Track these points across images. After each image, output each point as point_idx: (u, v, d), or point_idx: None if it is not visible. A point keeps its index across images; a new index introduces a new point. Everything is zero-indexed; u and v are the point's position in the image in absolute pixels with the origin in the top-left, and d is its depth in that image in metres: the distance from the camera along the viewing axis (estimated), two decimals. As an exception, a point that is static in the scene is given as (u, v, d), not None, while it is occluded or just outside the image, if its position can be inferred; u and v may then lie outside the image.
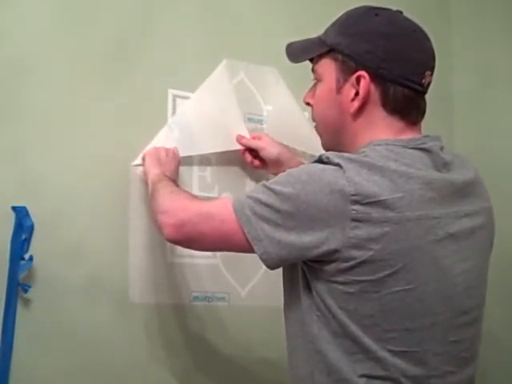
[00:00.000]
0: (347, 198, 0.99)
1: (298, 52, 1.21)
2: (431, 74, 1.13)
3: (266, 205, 1.03)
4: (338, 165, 1.01)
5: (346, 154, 1.04)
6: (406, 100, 1.10)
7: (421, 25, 1.96)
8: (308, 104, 1.22)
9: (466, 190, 1.10)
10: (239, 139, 1.49)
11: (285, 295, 1.14)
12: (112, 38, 1.42)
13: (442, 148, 1.11)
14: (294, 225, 1.01)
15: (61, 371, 1.31)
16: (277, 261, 1.04)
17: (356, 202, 0.99)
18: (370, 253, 0.99)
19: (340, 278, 1.01)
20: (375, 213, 0.99)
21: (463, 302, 1.08)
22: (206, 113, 1.48)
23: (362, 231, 0.99)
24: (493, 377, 1.69)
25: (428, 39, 1.14)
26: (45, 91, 1.34)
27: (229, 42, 1.57)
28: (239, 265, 1.50)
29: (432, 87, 1.84)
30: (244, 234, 1.04)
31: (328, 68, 1.14)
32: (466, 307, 1.08)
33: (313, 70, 1.19)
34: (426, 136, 1.12)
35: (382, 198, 0.99)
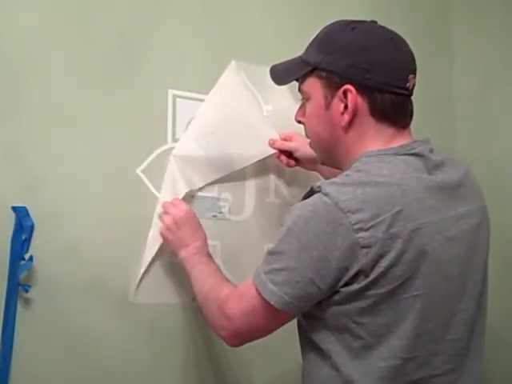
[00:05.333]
0: (350, 228, 1.00)
1: (282, 74, 1.24)
2: (414, 77, 1.14)
3: (282, 269, 1.04)
4: (328, 195, 1.02)
5: (338, 180, 1.06)
6: (394, 106, 1.12)
7: (421, 25, 1.97)
8: (300, 122, 1.24)
9: (460, 191, 1.12)
10: (272, 143, 1.50)
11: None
12: (112, 38, 1.42)
13: (431, 150, 1.13)
14: (312, 275, 1.03)
15: (61, 371, 1.31)
16: (307, 308, 1.09)
17: (360, 230, 1.00)
18: (381, 269, 1.01)
19: (353, 297, 1.03)
20: (380, 233, 1.00)
21: (459, 301, 1.09)
22: (234, 123, 1.49)
23: (373, 254, 1.01)
24: (496, 376, 1.69)
25: (406, 44, 1.16)
26: (45, 91, 1.34)
27: (229, 42, 1.56)
28: (239, 265, 1.50)
29: (432, 87, 1.86)
30: (284, 311, 1.06)
31: (314, 86, 1.16)
32: (462, 306, 1.10)
33: (299, 90, 1.22)
34: (415, 141, 1.14)
35: (382, 217, 1.01)
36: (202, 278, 1.27)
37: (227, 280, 1.25)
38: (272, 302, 1.05)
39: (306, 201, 1.06)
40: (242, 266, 1.50)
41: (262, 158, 1.51)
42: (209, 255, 1.35)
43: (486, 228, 1.17)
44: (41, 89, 1.34)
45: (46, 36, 1.35)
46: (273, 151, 1.50)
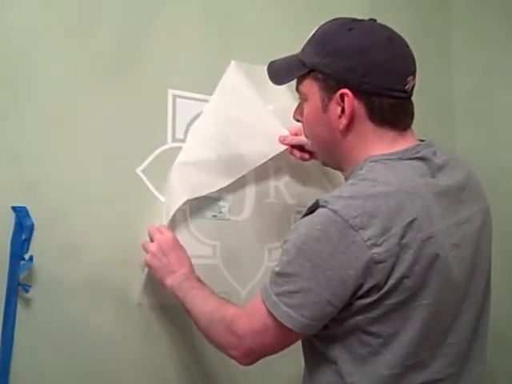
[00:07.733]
0: (363, 245, 0.99)
1: (279, 74, 1.22)
2: (414, 78, 1.12)
3: (296, 291, 1.02)
4: (337, 212, 1.00)
5: (345, 193, 1.03)
6: (393, 109, 1.10)
7: (421, 25, 1.97)
8: (298, 121, 1.22)
9: (463, 194, 1.11)
10: (282, 140, 1.47)
11: None
12: (112, 37, 1.42)
13: (434, 153, 1.12)
14: (329, 295, 1.01)
15: (61, 371, 1.30)
16: (321, 326, 1.06)
17: (373, 246, 0.99)
18: (393, 281, 1.00)
19: (365, 309, 1.02)
20: (393, 246, 0.99)
21: (462, 304, 1.09)
22: (242, 122, 1.48)
23: (387, 267, 0.99)
24: (499, 377, 1.69)
25: (405, 44, 1.13)
26: (45, 91, 1.34)
27: (229, 42, 1.56)
28: (239, 265, 1.50)
29: (432, 87, 1.86)
30: (293, 329, 1.03)
31: (311, 88, 1.14)
32: (464, 308, 1.09)
33: (297, 90, 1.20)
34: (419, 144, 1.12)
35: (394, 230, 0.99)
36: (200, 302, 1.22)
37: (227, 300, 1.22)
38: (290, 326, 1.02)
39: (312, 218, 1.03)
40: (241, 266, 1.50)
41: (274, 154, 1.49)
42: (199, 280, 1.31)
43: (489, 228, 1.16)
44: (41, 89, 1.34)
45: (46, 36, 1.35)
46: (284, 147, 1.49)
